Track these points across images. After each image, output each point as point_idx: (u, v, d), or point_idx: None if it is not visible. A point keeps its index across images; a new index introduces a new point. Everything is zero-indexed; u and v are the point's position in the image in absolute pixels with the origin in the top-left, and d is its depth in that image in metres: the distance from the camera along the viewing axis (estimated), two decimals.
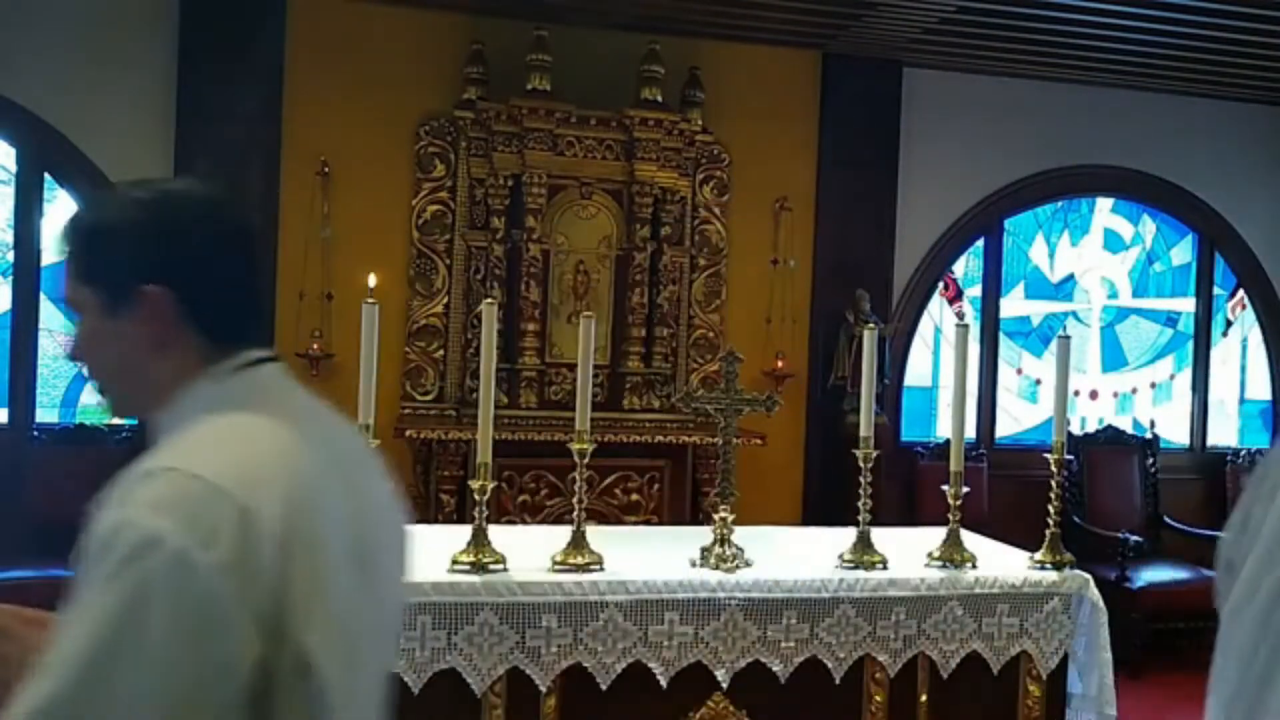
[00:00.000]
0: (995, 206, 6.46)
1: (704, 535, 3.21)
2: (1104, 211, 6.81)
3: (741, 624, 2.96)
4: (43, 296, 5.34)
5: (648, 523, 5.12)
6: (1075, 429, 6.44)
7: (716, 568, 3.04)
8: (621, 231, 5.52)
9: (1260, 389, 7.06)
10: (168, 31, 5.29)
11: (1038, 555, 3.33)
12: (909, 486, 6.08)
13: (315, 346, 5.31)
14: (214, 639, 1.02)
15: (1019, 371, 6.70)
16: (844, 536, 3.36)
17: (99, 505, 1.06)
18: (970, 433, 6.15)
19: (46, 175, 5.32)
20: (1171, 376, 6.95)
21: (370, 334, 2.88)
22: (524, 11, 5.42)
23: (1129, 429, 6.64)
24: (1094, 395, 6.82)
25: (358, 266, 5.08)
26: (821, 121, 6.08)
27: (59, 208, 5.37)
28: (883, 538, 3.30)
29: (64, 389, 5.44)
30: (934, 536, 3.37)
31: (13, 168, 5.30)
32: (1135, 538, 5.71)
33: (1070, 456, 3.59)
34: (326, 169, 5.39)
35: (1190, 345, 6.94)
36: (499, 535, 3.05)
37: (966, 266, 6.57)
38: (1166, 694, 5.41)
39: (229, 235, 1.24)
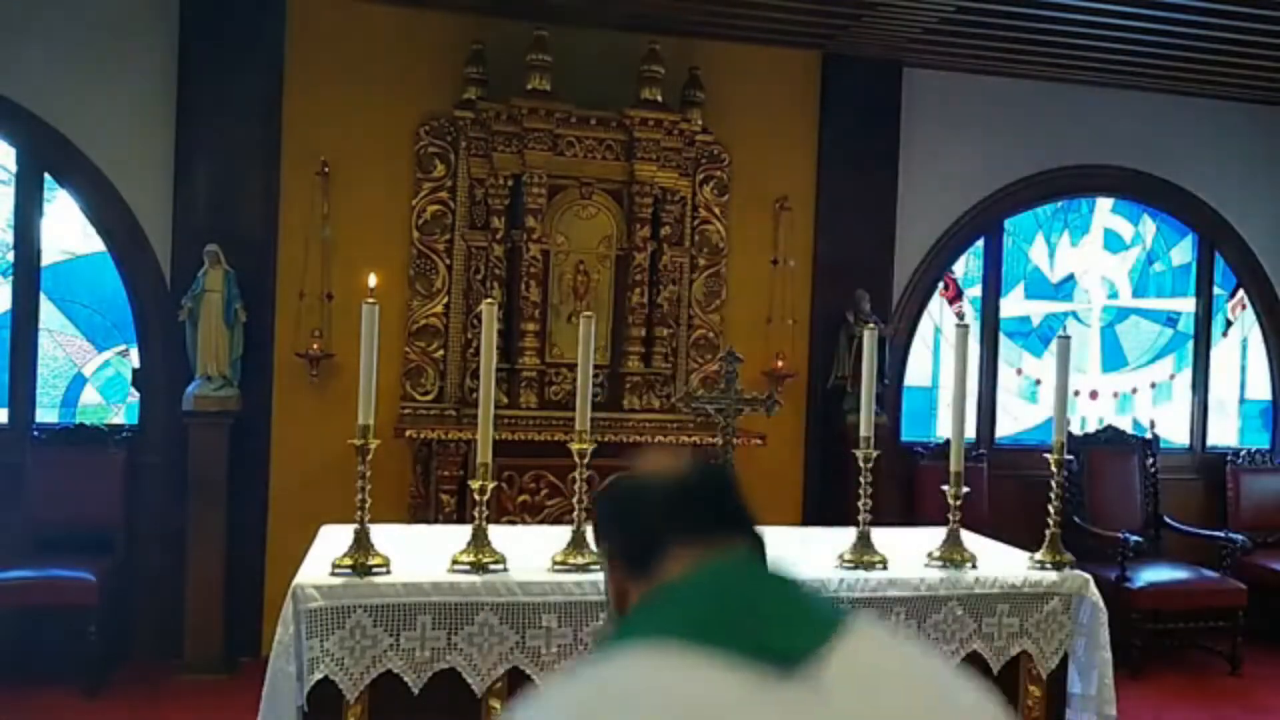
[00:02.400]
0: (995, 206, 6.46)
1: None
2: (1104, 211, 6.81)
3: None
4: (43, 296, 5.34)
5: None
6: (1075, 429, 6.43)
7: None
8: (621, 231, 5.52)
9: (1260, 389, 7.06)
10: (168, 31, 5.28)
11: (1038, 555, 3.33)
12: (909, 486, 6.08)
13: (315, 346, 5.31)
14: None
15: (1019, 371, 6.70)
16: (844, 536, 3.36)
17: None
18: (970, 433, 6.15)
19: (46, 175, 5.32)
20: (1171, 376, 6.95)
21: (370, 334, 2.88)
22: (524, 11, 5.41)
23: (1129, 429, 6.64)
24: (1094, 395, 6.82)
25: (358, 266, 5.08)
26: (821, 121, 6.08)
27: (59, 208, 5.38)
28: (883, 538, 3.30)
29: (64, 389, 5.44)
30: (934, 536, 3.36)
31: (13, 168, 5.30)
32: (1135, 538, 5.71)
33: (1070, 456, 3.59)
34: (326, 169, 5.39)
35: (1190, 345, 6.94)
36: (499, 535, 3.05)
37: (966, 266, 6.57)
38: (1166, 694, 5.41)
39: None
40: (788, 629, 1.03)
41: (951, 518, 3.30)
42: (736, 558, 1.15)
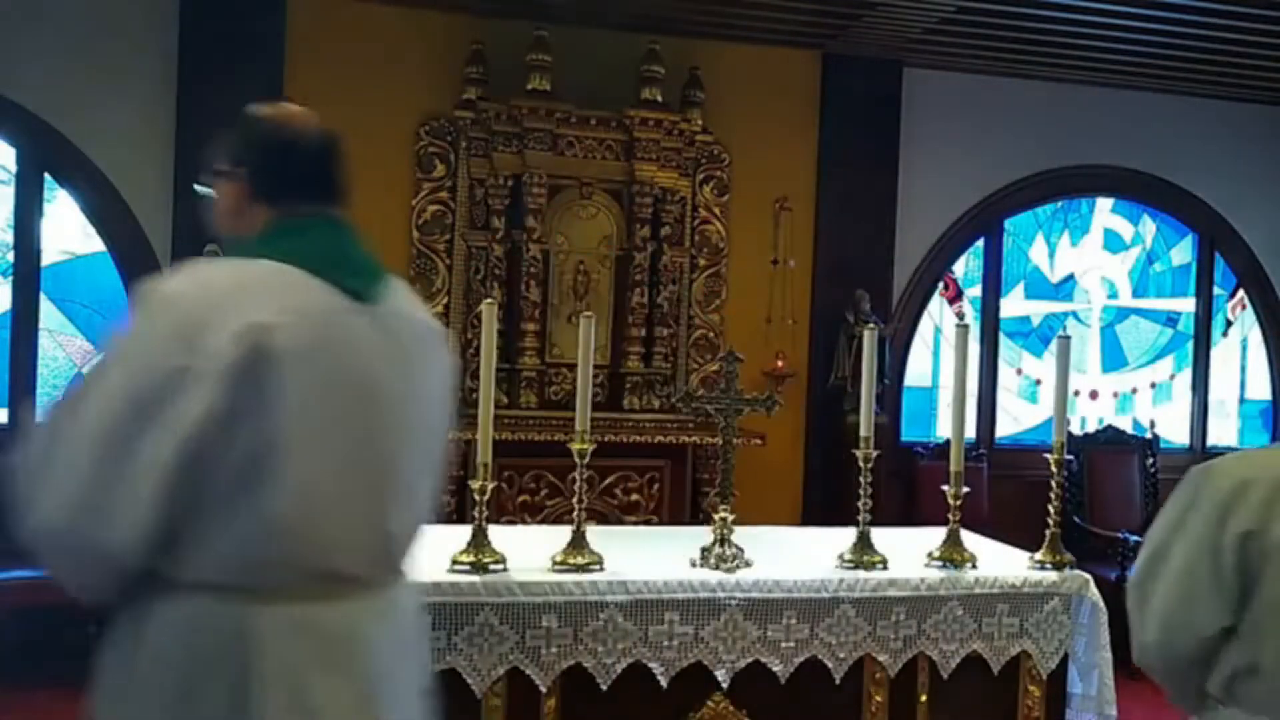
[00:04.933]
0: (995, 206, 6.46)
1: (704, 535, 3.20)
2: (1104, 211, 6.81)
3: (741, 624, 2.96)
4: (43, 296, 5.34)
5: (648, 523, 5.12)
6: (1075, 429, 6.43)
7: (716, 568, 3.04)
8: (621, 231, 5.52)
9: (1260, 389, 7.06)
10: (168, 31, 5.29)
11: (1038, 555, 3.32)
12: (909, 486, 6.08)
13: None
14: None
15: (1019, 371, 6.70)
16: (844, 536, 3.36)
17: None
18: (970, 433, 6.15)
19: (46, 175, 5.32)
20: (1171, 376, 6.95)
21: None
22: (524, 11, 5.42)
23: (1129, 429, 6.64)
24: (1094, 395, 6.82)
25: None
26: (821, 121, 6.08)
27: (59, 208, 5.37)
28: (883, 538, 3.30)
29: (64, 389, 5.43)
30: (934, 536, 3.36)
31: (13, 168, 5.30)
32: (1135, 538, 5.70)
33: (1070, 456, 3.59)
34: None
35: (1190, 345, 6.94)
36: (499, 535, 3.05)
37: (966, 266, 6.57)
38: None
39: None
40: (363, 276, 1.73)
41: (951, 518, 3.29)
42: (334, 218, 1.81)
